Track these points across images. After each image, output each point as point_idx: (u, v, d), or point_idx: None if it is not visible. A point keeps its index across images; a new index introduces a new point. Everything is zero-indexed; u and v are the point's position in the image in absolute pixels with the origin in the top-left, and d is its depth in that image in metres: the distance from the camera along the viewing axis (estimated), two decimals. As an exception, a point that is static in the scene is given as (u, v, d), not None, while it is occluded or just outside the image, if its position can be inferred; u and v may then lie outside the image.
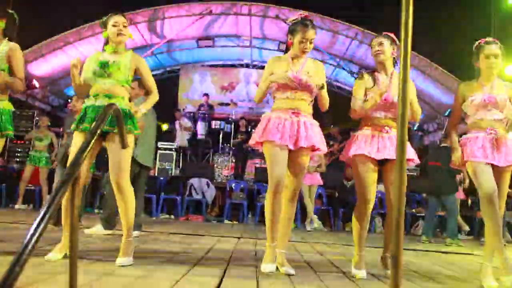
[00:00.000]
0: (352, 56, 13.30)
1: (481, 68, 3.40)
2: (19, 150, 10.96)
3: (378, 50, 3.39)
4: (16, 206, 8.62)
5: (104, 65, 3.19)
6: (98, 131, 1.70)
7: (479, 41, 3.43)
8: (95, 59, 3.26)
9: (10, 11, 3.42)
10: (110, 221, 5.16)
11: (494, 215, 3.12)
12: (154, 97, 3.37)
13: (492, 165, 3.24)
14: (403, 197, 1.33)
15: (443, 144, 7.80)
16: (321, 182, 8.80)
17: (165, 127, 11.77)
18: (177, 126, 12.16)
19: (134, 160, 5.29)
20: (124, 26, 3.26)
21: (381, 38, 3.41)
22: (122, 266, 2.92)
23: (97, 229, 5.12)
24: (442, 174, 7.34)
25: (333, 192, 10.04)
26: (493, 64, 3.33)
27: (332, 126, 10.90)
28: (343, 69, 13.72)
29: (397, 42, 3.59)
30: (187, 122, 12.31)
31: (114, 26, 3.23)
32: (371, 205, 3.30)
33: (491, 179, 3.20)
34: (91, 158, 3.24)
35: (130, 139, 3.18)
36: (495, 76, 3.38)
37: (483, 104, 3.34)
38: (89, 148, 1.67)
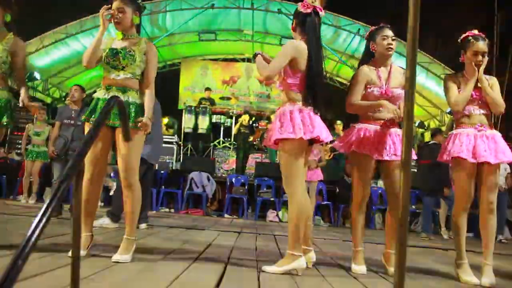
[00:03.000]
0: (354, 51, 13.25)
1: (467, 63, 3.37)
2: (20, 141, 10.94)
3: (391, 45, 3.33)
4: (23, 201, 8.58)
5: (115, 54, 3.07)
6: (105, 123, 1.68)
7: (467, 34, 3.37)
8: (109, 45, 3.13)
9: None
10: (118, 215, 5.17)
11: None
12: (152, 95, 3.12)
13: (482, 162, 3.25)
14: (409, 194, 1.32)
15: (432, 141, 7.74)
16: (321, 177, 8.64)
17: (165, 120, 11.72)
18: None
19: (142, 160, 5.32)
20: (121, 12, 3.09)
21: (391, 32, 3.34)
22: (118, 262, 2.84)
23: (103, 221, 5.12)
24: (436, 171, 7.29)
25: (334, 187, 10.03)
26: (481, 62, 3.30)
27: (338, 122, 10.85)
28: (345, 64, 13.69)
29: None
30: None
31: (111, 14, 3.09)
32: (365, 201, 3.34)
33: (471, 192, 3.30)
34: (104, 153, 3.09)
35: (141, 135, 3.09)
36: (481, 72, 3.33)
37: (471, 100, 3.32)
38: (93, 140, 1.66)
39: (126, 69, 3.07)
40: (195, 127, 12.42)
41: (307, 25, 3.15)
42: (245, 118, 11.61)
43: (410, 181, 1.34)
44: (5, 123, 3.22)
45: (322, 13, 3.22)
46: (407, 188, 1.34)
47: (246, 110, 12.63)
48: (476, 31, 3.36)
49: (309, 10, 3.15)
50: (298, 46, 3.07)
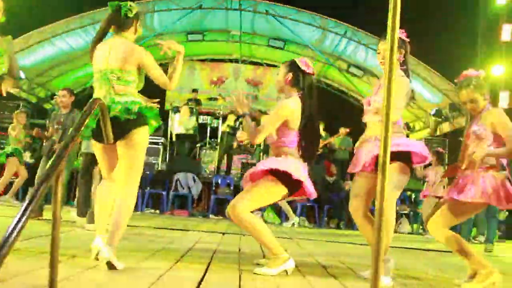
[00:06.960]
0: (341, 53, 13.32)
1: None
2: (2, 141, 10.79)
3: (382, 61, 3.28)
4: (7, 197, 8.47)
5: None
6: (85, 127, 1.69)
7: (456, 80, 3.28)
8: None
9: None
10: (85, 211, 5.09)
11: None
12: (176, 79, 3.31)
13: None
14: (384, 199, 1.34)
15: None
16: None
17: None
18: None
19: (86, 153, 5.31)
20: None
21: (385, 43, 3.18)
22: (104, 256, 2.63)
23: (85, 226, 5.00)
24: None
25: (316, 188, 10.04)
26: (471, 109, 3.16)
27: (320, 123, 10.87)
28: (332, 66, 13.75)
29: (404, 43, 3.42)
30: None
31: None
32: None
33: None
34: (110, 165, 3.00)
35: (145, 132, 2.93)
36: (479, 114, 3.13)
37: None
38: (73, 141, 1.66)
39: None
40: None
41: (306, 85, 3.14)
42: (231, 119, 11.53)
43: (386, 185, 1.36)
44: None
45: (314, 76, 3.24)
46: (383, 191, 1.36)
47: (232, 110, 12.61)
48: (470, 71, 3.19)
49: (310, 71, 3.15)
50: (293, 108, 3.07)
